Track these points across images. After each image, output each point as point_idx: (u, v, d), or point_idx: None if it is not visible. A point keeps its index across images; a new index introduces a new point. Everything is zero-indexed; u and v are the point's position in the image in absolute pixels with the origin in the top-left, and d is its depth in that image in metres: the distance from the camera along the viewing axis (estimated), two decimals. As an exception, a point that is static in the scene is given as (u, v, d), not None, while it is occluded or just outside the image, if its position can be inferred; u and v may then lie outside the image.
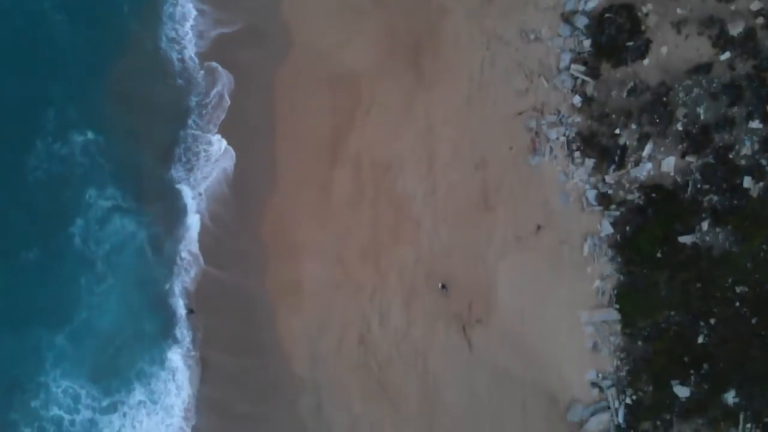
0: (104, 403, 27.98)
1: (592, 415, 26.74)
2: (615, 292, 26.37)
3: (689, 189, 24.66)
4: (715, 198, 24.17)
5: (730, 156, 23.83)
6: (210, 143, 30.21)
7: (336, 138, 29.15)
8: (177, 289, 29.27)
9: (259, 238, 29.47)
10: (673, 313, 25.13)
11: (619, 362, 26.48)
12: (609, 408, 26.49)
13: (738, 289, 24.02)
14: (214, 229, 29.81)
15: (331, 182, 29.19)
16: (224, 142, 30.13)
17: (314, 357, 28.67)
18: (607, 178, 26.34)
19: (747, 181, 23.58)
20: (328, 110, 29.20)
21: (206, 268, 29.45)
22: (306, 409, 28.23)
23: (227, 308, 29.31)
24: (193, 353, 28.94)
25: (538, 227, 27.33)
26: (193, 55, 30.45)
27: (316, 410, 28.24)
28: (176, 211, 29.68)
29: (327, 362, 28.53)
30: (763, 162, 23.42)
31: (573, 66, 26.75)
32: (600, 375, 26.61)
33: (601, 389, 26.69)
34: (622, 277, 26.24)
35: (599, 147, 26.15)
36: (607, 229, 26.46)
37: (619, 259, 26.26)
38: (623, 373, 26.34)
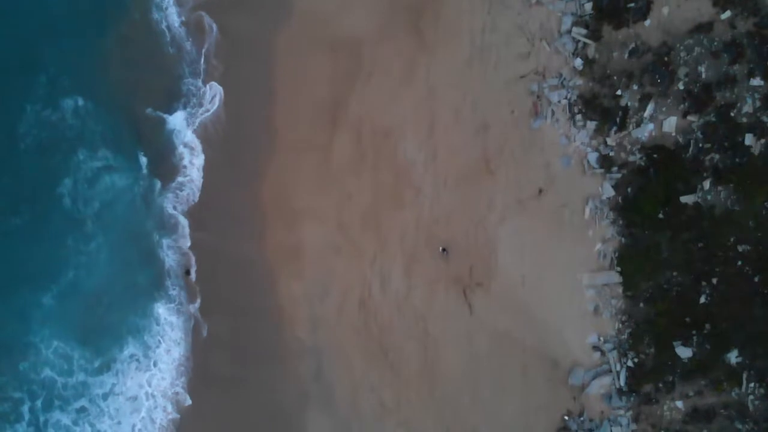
0: (96, 363, 28.03)
1: (594, 378, 26.63)
2: (616, 254, 26.29)
3: (691, 148, 24.55)
4: (717, 156, 24.01)
5: (732, 114, 23.64)
6: (204, 107, 30.28)
7: (336, 103, 29.35)
8: (169, 247, 29.40)
9: (258, 203, 29.65)
10: (674, 273, 24.97)
11: (620, 325, 26.38)
12: (611, 371, 26.35)
13: (740, 248, 23.78)
14: (210, 193, 29.91)
15: (332, 148, 29.42)
16: (219, 104, 30.18)
17: (315, 321, 28.84)
18: (609, 140, 26.31)
19: (749, 139, 23.39)
20: (328, 75, 29.42)
21: (203, 232, 29.58)
22: (306, 372, 28.41)
23: (225, 272, 29.58)
24: (186, 312, 29.03)
25: (540, 191, 27.30)
26: (185, 19, 30.50)
27: (316, 373, 28.39)
28: (169, 173, 29.81)
29: (328, 326, 28.68)
30: (765, 119, 23.19)
31: (574, 29, 26.77)
32: (601, 338, 26.52)
33: (602, 352, 26.60)
34: (623, 240, 26.17)
35: (601, 109, 26.12)
36: (609, 191, 26.39)
37: (621, 222, 26.18)
38: (625, 336, 26.23)
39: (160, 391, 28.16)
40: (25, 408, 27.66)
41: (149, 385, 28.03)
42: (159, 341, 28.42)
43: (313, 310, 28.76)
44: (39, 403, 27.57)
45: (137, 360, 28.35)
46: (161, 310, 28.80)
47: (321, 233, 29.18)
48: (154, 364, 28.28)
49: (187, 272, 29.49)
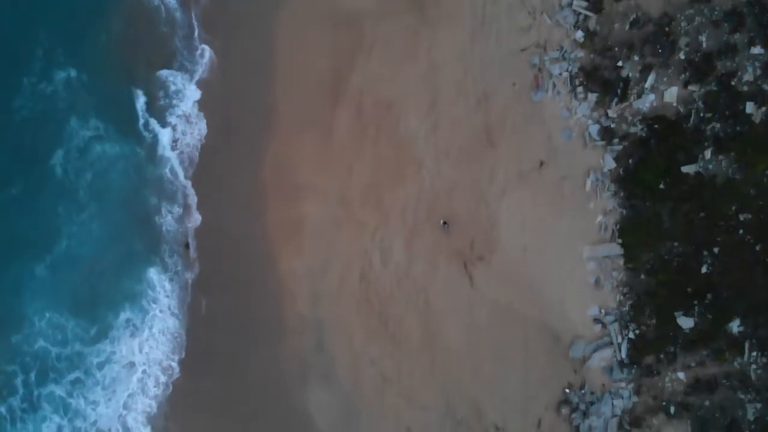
0: (92, 332, 27.67)
1: (595, 351, 26.48)
2: (617, 226, 26.25)
3: (692, 118, 24.64)
4: (718, 126, 24.10)
5: (733, 83, 23.79)
6: (202, 79, 30.15)
7: (338, 78, 29.28)
8: (167, 216, 29.14)
9: (258, 177, 29.46)
10: (676, 244, 24.98)
11: (621, 297, 26.30)
12: (612, 343, 26.24)
13: (741, 217, 23.84)
14: (209, 167, 29.77)
15: (333, 122, 29.30)
16: (217, 78, 29.99)
17: (315, 295, 28.61)
18: (610, 112, 26.37)
19: (749, 107, 23.50)
20: (329, 50, 29.37)
21: (202, 206, 29.43)
22: (307, 345, 28.14)
23: (224, 246, 29.27)
24: (183, 283, 28.75)
25: (541, 163, 27.29)
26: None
27: (317, 347, 28.14)
28: (167, 143, 29.61)
29: (328, 300, 28.45)
30: (765, 87, 23.32)
31: (575, 2, 26.86)
32: (602, 311, 26.41)
33: (603, 325, 26.48)
34: (624, 212, 26.16)
35: (602, 80, 26.19)
36: (610, 163, 26.41)
37: (622, 194, 26.19)
38: (626, 308, 26.14)
39: (155, 361, 27.72)
40: (19, 381, 27.19)
41: (144, 353, 27.58)
42: (155, 308, 28.04)
43: (314, 285, 28.50)
44: (32, 376, 27.12)
45: (133, 325, 27.96)
46: (157, 277, 28.48)
47: (322, 207, 28.99)
48: (150, 330, 27.83)
49: (187, 246, 29.20)
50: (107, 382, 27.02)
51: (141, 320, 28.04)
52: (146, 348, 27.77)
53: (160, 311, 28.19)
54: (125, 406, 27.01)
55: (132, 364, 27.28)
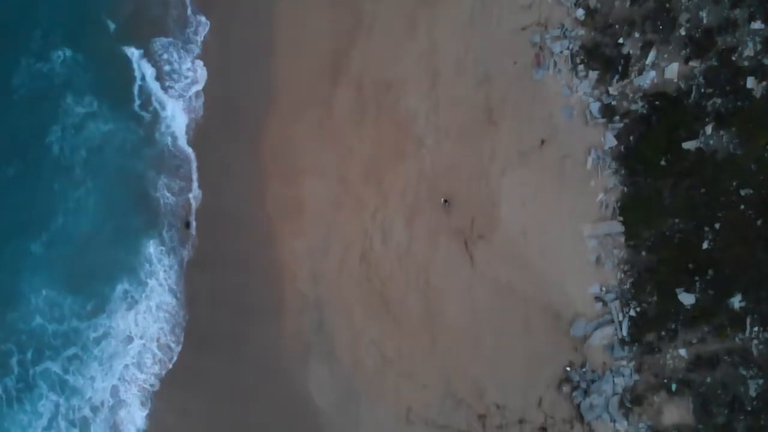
0: (88, 307, 27.43)
1: (596, 329, 26.40)
2: (618, 204, 26.19)
3: (693, 94, 24.62)
4: (719, 101, 24.11)
5: (733, 58, 23.79)
6: (199, 53, 30.05)
7: (337, 57, 29.19)
8: (161, 188, 29.02)
9: (258, 157, 29.36)
10: (677, 220, 24.92)
11: (622, 275, 26.23)
12: (613, 321, 26.17)
13: (743, 192, 23.77)
14: (208, 146, 29.64)
15: (333, 101, 29.19)
16: (216, 57, 29.79)
17: (316, 275, 28.50)
18: (611, 90, 26.32)
19: (750, 82, 23.48)
20: (329, 29, 29.27)
21: (200, 183, 29.36)
22: (308, 325, 27.99)
23: (224, 225, 29.12)
24: (181, 260, 28.60)
25: (542, 142, 27.22)
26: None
27: (317, 327, 27.97)
28: (159, 120, 29.59)
29: (329, 280, 28.34)
30: (766, 62, 23.32)
31: (576, -20, 27.04)
32: (603, 289, 26.33)
33: (604, 303, 26.40)
34: (625, 189, 26.12)
35: (603, 58, 26.17)
36: (611, 141, 26.37)
37: (623, 171, 26.12)
38: (627, 286, 26.06)
39: (153, 337, 27.48)
40: (14, 361, 26.95)
41: (142, 326, 27.31)
42: (153, 281, 27.87)
43: (314, 264, 28.38)
44: (29, 354, 26.87)
45: (131, 297, 27.69)
46: (155, 250, 28.34)
47: (322, 187, 28.87)
48: (148, 303, 27.58)
49: (187, 224, 29.04)
50: (104, 357, 26.72)
51: (138, 293, 27.80)
52: (143, 321, 27.42)
53: (159, 285, 27.95)
54: (121, 378, 26.70)
55: (129, 338, 26.98)
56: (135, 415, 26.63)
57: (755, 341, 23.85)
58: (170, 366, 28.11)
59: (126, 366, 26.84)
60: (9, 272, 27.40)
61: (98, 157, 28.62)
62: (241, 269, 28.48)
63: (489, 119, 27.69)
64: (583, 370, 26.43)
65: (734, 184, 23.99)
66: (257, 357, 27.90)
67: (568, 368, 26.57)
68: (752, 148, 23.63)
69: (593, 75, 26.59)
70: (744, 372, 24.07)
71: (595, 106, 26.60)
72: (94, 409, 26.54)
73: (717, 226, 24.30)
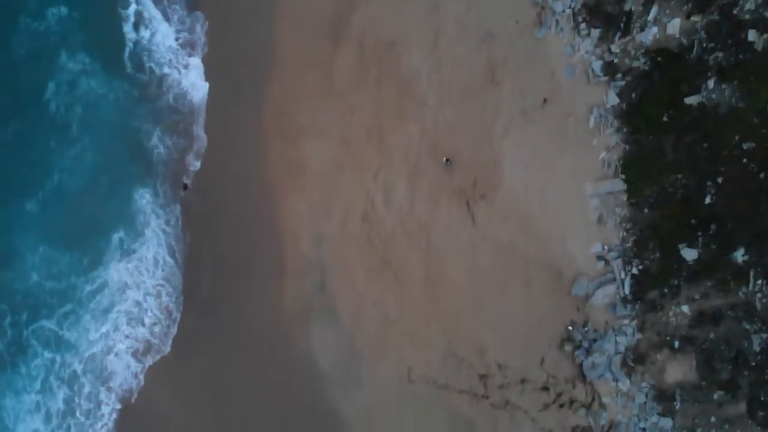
0: (85, 261, 26.94)
1: (598, 288, 26.27)
2: (620, 162, 26.13)
3: (695, 49, 24.66)
4: (721, 55, 24.17)
5: (734, 11, 23.88)
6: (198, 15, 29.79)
7: (338, 16, 29.04)
8: (157, 144, 28.63)
9: (259, 118, 29.07)
10: (679, 176, 24.88)
11: (624, 233, 26.14)
12: (615, 280, 26.06)
13: (745, 146, 23.79)
14: (208, 107, 29.32)
15: (334, 61, 29.01)
16: (216, 19, 29.48)
17: (318, 236, 28.27)
18: (613, 47, 26.30)
19: (751, 35, 23.56)
20: (331, -14, 29.16)
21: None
22: (309, 286, 27.68)
23: (225, 187, 28.72)
24: (177, 220, 28.24)
25: (544, 101, 27.12)
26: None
27: (319, 287, 27.70)
28: (157, 80, 29.22)
29: (331, 241, 28.12)
30: (767, 14, 23.61)
31: (577, -61, 27.09)
32: (606, 247, 26.24)
33: (606, 262, 26.30)
34: (628, 147, 26.09)
35: (605, 15, 26.14)
36: (613, 99, 26.33)
37: (625, 129, 26.11)
38: (629, 244, 25.98)
39: (149, 291, 27.09)
40: (7, 322, 26.42)
41: (136, 278, 26.88)
42: (149, 232, 27.51)
43: (316, 225, 28.14)
44: (24, 316, 26.35)
45: (126, 246, 27.29)
46: (152, 200, 27.88)
47: (324, 148, 28.64)
48: (145, 253, 27.15)
49: (185, 187, 28.66)
50: (99, 312, 26.24)
51: (134, 242, 27.43)
52: (138, 274, 27.00)
53: (155, 236, 27.59)
54: (116, 328, 26.25)
55: (125, 288, 26.47)
56: (127, 371, 26.17)
57: (759, 294, 23.81)
58: (168, 324, 27.70)
59: (120, 314, 26.36)
60: (5, 231, 26.81)
61: (95, 113, 28.12)
62: (242, 230, 28.14)
63: (491, 78, 27.56)
64: (585, 329, 26.29)
65: (736, 137, 24.01)
66: (259, 318, 27.52)
67: (570, 327, 26.43)
68: (754, 101, 23.67)
69: (595, 33, 26.57)
70: (748, 326, 24.03)
71: (597, 64, 26.56)
72: (88, 361, 26.05)
73: (719, 180, 24.30)
